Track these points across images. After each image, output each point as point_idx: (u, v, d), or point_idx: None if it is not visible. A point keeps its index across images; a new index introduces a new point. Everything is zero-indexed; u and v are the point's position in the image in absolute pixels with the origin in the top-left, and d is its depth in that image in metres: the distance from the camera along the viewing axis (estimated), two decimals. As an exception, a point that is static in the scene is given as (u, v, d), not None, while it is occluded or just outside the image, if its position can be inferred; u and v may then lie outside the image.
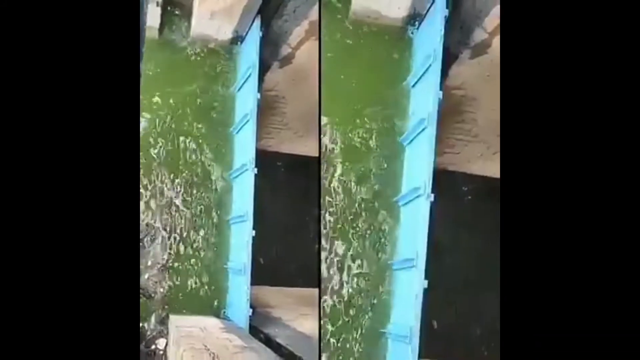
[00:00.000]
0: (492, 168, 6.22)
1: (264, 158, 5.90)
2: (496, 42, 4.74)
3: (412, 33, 5.22)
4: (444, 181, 5.08)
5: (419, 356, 4.40)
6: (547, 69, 2.65)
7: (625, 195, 2.51)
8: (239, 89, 6.21)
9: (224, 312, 5.99)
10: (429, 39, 4.87)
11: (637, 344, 2.41)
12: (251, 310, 5.44)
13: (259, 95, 5.76)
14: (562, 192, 2.59)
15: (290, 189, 7.84)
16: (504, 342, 2.60)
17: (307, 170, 7.16)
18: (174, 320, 5.45)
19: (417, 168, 4.84)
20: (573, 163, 2.59)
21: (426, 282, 4.37)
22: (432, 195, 4.43)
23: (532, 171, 2.63)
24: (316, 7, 5.14)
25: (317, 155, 6.50)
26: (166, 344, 5.47)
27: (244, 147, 5.88)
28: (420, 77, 4.98)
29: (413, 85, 5.14)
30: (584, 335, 2.49)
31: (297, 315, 5.85)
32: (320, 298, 4.81)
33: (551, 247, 2.58)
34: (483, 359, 5.84)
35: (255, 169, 5.57)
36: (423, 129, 4.70)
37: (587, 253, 2.53)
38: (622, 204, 2.51)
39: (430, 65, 4.73)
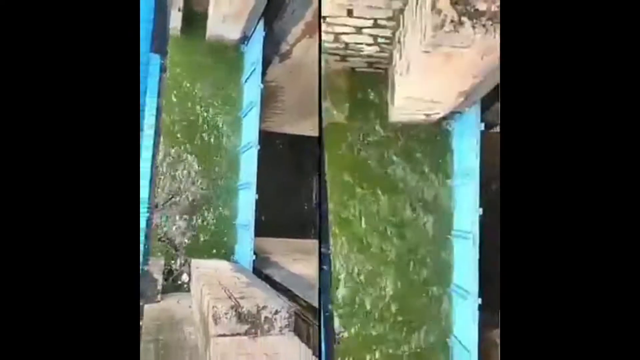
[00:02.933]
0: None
1: (265, 137, 6.38)
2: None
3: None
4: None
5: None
6: (546, 33, 2.40)
7: (627, 170, 2.28)
8: (245, 81, 6.84)
9: (234, 257, 6.59)
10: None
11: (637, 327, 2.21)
12: (254, 255, 5.96)
13: (262, 86, 6.26)
14: (562, 155, 2.35)
15: (287, 162, 9.43)
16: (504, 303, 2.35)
17: (302, 147, 9.29)
18: (194, 263, 6.21)
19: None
20: (574, 132, 2.33)
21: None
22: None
23: (532, 119, 2.37)
24: (310, 10, 5.66)
25: (309, 135, 9.07)
26: (189, 280, 6.22)
27: (250, 128, 6.47)
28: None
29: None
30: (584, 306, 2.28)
31: (290, 260, 6.52)
32: (320, 246, 5.49)
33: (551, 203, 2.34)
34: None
35: (259, 146, 6.08)
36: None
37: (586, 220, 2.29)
38: (624, 180, 2.28)
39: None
